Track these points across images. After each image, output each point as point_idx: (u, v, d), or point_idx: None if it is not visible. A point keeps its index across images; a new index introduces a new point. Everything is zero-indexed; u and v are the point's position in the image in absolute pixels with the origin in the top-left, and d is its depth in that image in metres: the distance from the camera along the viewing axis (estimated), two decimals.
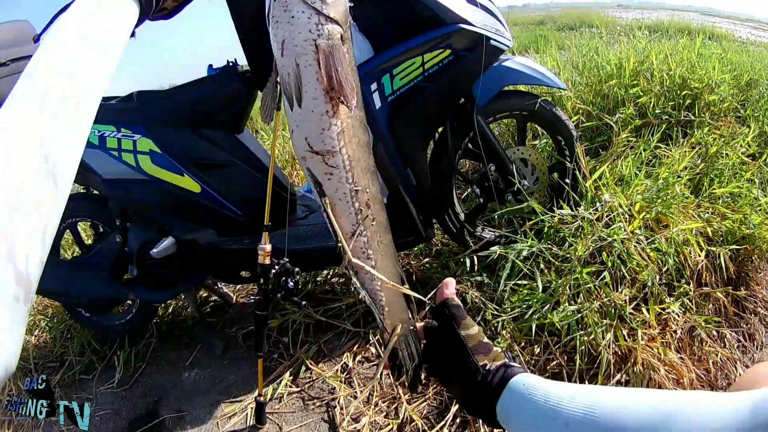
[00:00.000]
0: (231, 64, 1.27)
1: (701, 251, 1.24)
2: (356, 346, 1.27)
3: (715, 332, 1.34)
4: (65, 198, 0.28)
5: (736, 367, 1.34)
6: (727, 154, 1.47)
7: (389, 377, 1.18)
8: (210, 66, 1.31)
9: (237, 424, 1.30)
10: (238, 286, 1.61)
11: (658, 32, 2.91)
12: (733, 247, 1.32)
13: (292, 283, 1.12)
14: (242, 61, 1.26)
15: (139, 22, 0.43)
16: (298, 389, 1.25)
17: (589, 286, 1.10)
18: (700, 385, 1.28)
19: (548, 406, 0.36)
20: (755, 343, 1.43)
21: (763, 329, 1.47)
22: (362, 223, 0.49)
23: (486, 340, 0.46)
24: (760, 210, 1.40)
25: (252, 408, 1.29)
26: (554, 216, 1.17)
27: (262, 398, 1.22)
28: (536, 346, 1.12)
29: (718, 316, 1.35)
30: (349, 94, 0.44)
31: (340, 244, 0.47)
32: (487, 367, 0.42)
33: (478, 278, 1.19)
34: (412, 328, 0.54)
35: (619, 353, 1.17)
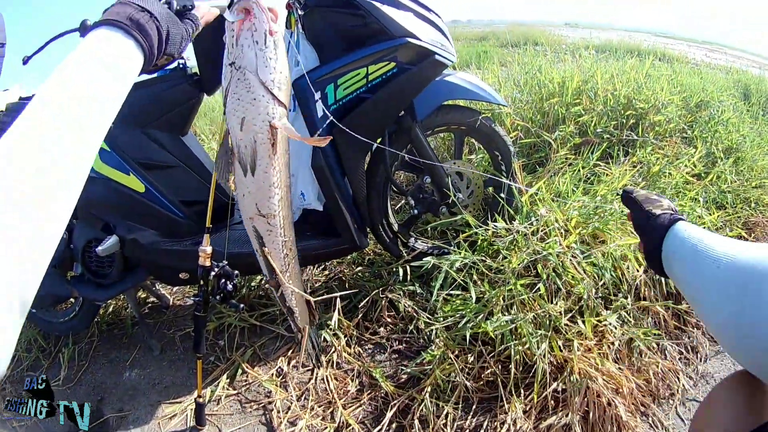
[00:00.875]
0: (181, 65, 1.27)
1: (640, 266, 1.27)
2: (290, 351, 1.27)
3: (655, 344, 1.37)
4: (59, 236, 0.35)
5: (678, 378, 1.36)
6: (670, 173, 1.50)
7: (324, 383, 1.18)
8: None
9: (178, 425, 1.29)
10: (174, 288, 1.60)
11: (605, 52, 2.96)
12: None
13: (231, 286, 1.12)
14: (192, 63, 1.27)
15: (141, 72, 0.47)
16: (236, 392, 1.25)
17: (523, 297, 1.12)
18: (641, 394, 1.30)
19: (702, 246, 0.43)
20: (698, 355, 1.47)
21: (707, 342, 1.50)
22: (289, 262, 0.72)
23: (655, 195, 0.58)
24: (704, 227, 1.44)
25: (191, 409, 1.28)
26: (488, 229, 1.19)
27: (201, 399, 1.22)
28: (470, 355, 1.13)
29: (657, 328, 1.37)
30: (284, 159, 0.63)
31: (274, 277, 0.72)
32: (656, 213, 0.53)
33: (411, 288, 1.20)
34: (314, 326, 0.77)
35: (555, 363, 1.18)
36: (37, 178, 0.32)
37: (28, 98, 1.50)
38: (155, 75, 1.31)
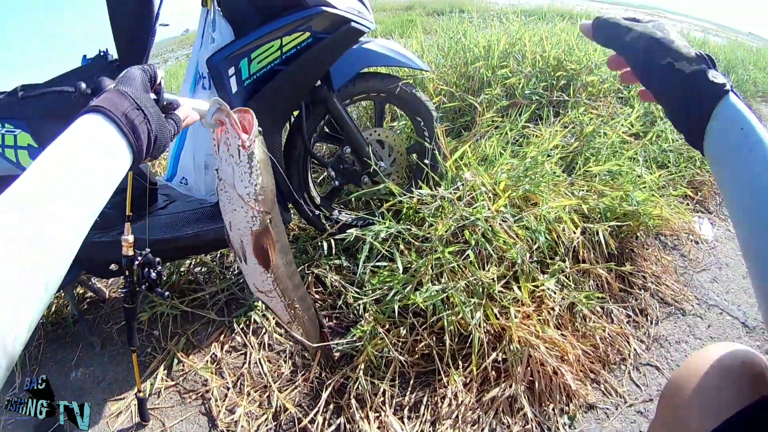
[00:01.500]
0: (102, 54, 1.24)
1: (576, 228, 1.25)
2: (222, 336, 1.25)
3: (599, 308, 1.35)
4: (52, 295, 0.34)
5: (629, 343, 1.35)
6: (605, 133, 1.48)
7: (258, 366, 1.16)
8: (84, 56, 1.28)
9: (124, 422, 1.26)
10: (110, 281, 1.58)
11: (534, 16, 2.93)
12: (614, 223, 1.33)
13: (155, 274, 1.09)
14: (113, 50, 1.24)
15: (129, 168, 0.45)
16: (174, 383, 1.22)
17: (452, 265, 1.10)
18: (588, 361, 1.28)
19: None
20: (649, 318, 1.45)
21: (657, 304, 1.48)
22: (295, 315, 0.89)
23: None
24: (644, 187, 1.42)
25: (135, 405, 1.26)
26: (412, 197, 1.17)
27: (141, 394, 1.19)
28: (402, 328, 1.12)
29: (601, 292, 1.36)
30: (274, 255, 0.68)
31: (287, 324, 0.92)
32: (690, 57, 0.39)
33: (337, 261, 1.18)
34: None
35: (492, 332, 1.16)
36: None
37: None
38: (78, 66, 1.29)
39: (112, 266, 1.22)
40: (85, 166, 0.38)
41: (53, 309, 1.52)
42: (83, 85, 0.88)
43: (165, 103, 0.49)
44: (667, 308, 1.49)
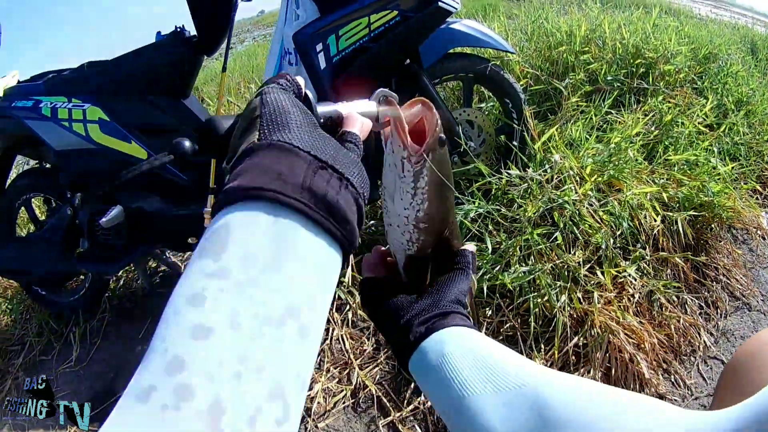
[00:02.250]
0: (179, 30, 1.25)
1: (657, 216, 1.23)
2: None
3: (675, 297, 1.33)
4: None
5: (699, 334, 1.33)
6: (682, 123, 1.46)
7: (340, 342, 1.16)
8: (158, 33, 1.29)
9: None
10: (185, 255, 1.58)
11: (610, 3, 2.90)
12: (691, 213, 1.31)
13: None
14: (189, 27, 1.24)
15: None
16: None
17: (540, 247, 1.09)
18: (662, 350, 1.27)
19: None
20: (719, 310, 1.43)
21: (726, 297, 1.46)
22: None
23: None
24: (718, 178, 1.40)
25: None
26: (502, 178, 1.15)
27: None
28: (488, 308, 1.11)
29: (677, 281, 1.34)
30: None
31: None
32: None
33: None
34: None
35: (575, 316, 1.15)
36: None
37: (25, 82, 1.48)
38: (151, 42, 1.29)
39: (191, 239, 1.23)
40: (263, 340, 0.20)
41: (121, 282, 1.54)
42: (186, 144, 0.45)
43: (323, 120, 0.32)
44: (735, 302, 1.47)
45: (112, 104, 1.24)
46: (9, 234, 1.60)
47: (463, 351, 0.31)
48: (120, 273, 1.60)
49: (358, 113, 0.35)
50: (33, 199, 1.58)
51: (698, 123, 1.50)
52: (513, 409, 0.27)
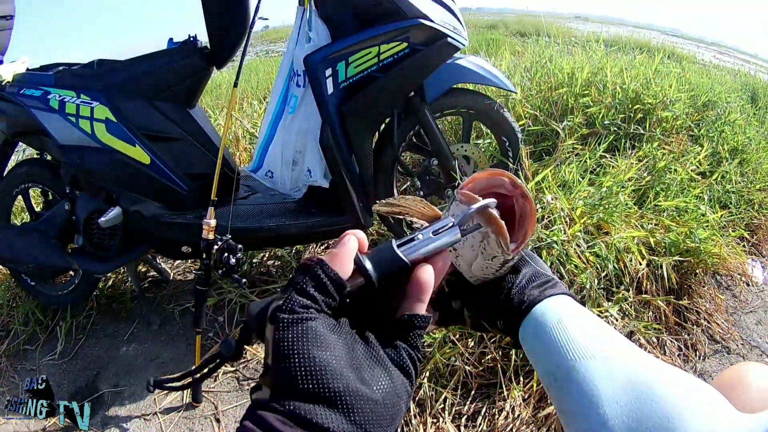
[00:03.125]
0: (191, 39, 1.27)
1: (642, 260, 1.27)
2: None
3: (655, 339, 1.37)
4: None
5: None
6: (675, 170, 1.50)
7: None
8: (170, 39, 1.31)
9: (174, 401, 1.28)
10: (175, 263, 1.59)
11: (614, 46, 2.95)
12: (677, 258, 1.34)
13: (233, 260, 1.12)
14: (202, 37, 1.26)
15: None
16: (233, 369, 1.24)
17: None
18: None
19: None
20: (698, 353, 1.46)
21: (706, 340, 1.50)
22: None
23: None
24: (707, 226, 1.43)
25: None
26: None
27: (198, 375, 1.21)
28: (470, 340, 1.13)
29: (658, 323, 1.37)
30: None
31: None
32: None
33: None
34: None
35: None
36: None
37: (35, 70, 1.49)
38: (163, 49, 1.31)
39: (185, 248, 1.25)
40: None
41: (110, 283, 1.55)
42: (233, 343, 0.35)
43: (383, 280, 0.28)
44: (714, 345, 1.50)
45: (120, 105, 1.25)
46: (4, 221, 1.60)
47: (575, 317, 0.34)
48: (110, 273, 1.61)
49: (434, 249, 0.30)
50: (30, 189, 1.59)
51: (691, 170, 1.54)
52: (617, 380, 0.30)
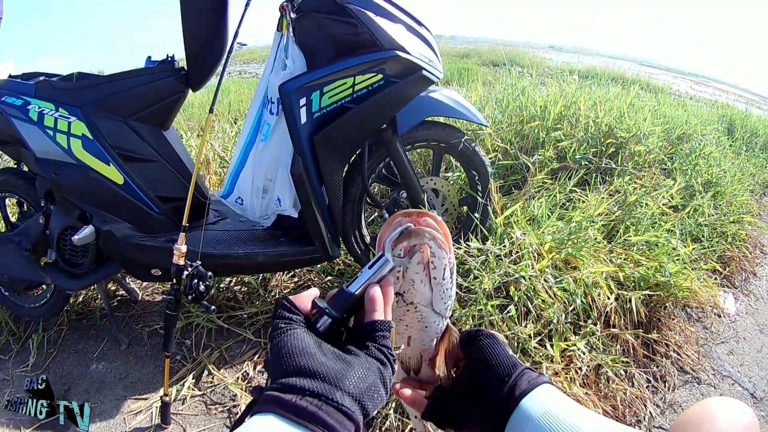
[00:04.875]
0: (169, 59, 1.27)
1: (611, 294, 1.28)
2: (256, 356, 1.27)
3: (623, 371, 1.38)
4: None
5: (645, 406, 1.38)
6: (647, 204, 1.51)
7: None
8: (149, 58, 1.30)
9: (143, 422, 1.28)
10: (144, 283, 1.59)
11: (589, 78, 2.96)
12: (646, 292, 1.36)
13: (203, 287, 1.11)
14: (179, 56, 1.26)
15: None
16: (201, 393, 1.24)
17: (493, 318, 1.13)
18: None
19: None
20: (667, 384, 1.48)
21: (675, 372, 1.52)
22: None
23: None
24: (678, 259, 1.45)
25: (157, 407, 1.27)
26: (460, 248, 1.19)
27: (167, 398, 1.21)
28: None
29: (626, 356, 1.39)
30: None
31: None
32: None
33: None
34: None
35: None
36: None
37: (17, 77, 1.48)
38: (145, 66, 1.31)
39: (155, 271, 1.24)
40: None
41: (80, 299, 1.54)
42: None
43: (343, 314, 0.37)
44: (684, 376, 1.52)
45: (97, 122, 1.25)
46: None
47: (563, 407, 0.38)
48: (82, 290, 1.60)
49: (368, 283, 0.39)
50: (7, 199, 1.58)
51: (663, 204, 1.55)
52: None
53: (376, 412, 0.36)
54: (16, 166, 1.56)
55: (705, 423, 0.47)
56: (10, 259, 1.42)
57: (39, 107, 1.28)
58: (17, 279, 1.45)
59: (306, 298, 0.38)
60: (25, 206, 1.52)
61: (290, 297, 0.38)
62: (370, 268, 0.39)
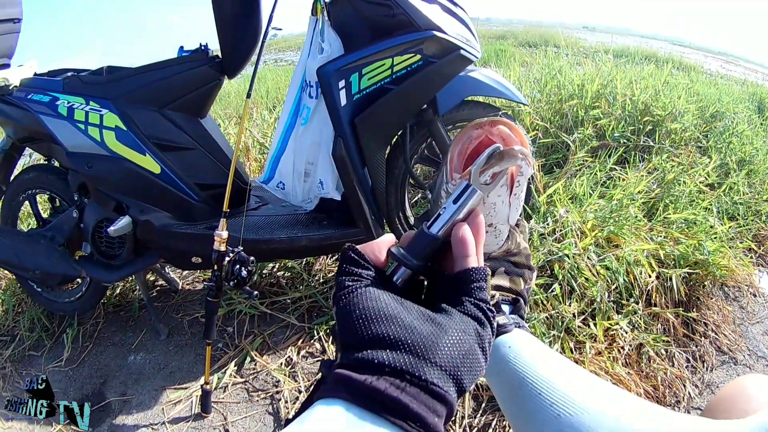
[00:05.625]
0: (202, 48, 1.26)
1: (652, 272, 1.27)
2: (300, 341, 1.26)
3: (663, 351, 1.37)
4: None
5: (684, 386, 1.37)
6: (684, 182, 1.50)
7: None
8: (181, 48, 1.30)
9: (182, 411, 1.28)
10: (184, 273, 1.58)
11: (623, 57, 2.96)
12: (686, 270, 1.35)
13: (245, 272, 1.11)
14: (213, 46, 1.26)
15: None
16: (243, 380, 1.24)
17: (538, 297, 1.12)
18: (647, 399, 1.30)
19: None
20: (705, 364, 1.47)
21: (713, 351, 1.50)
22: None
23: None
24: (715, 237, 1.44)
25: (197, 396, 1.27)
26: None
27: (208, 386, 1.21)
28: None
29: (667, 335, 1.38)
30: None
31: None
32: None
33: None
34: None
35: None
36: None
37: (43, 75, 1.48)
38: (177, 56, 1.31)
39: (195, 259, 1.24)
40: None
41: (117, 291, 1.54)
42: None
43: (425, 261, 0.30)
44: (722, 356, 1.51)
45: (130, 113, 1.25)
46: (11, 226, 1.59)
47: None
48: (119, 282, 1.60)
49: (461, 213, 0.32)
50: (38, 195, 1.58)
51: (700, 182, 1.54)
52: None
53: (473, 386, 0.30)
54: (46, 162, 1.57)
55: (739, 397, 0.47)
56: (42, 255, 1.42)
57: (68, 102, 1.28)
58: (51, 274, 1.45)
59: (377, 246, 0.31)
60: (58, 201, 1.52)
61: (358, 246, 0.30)
62: (454, 202, 0.32)
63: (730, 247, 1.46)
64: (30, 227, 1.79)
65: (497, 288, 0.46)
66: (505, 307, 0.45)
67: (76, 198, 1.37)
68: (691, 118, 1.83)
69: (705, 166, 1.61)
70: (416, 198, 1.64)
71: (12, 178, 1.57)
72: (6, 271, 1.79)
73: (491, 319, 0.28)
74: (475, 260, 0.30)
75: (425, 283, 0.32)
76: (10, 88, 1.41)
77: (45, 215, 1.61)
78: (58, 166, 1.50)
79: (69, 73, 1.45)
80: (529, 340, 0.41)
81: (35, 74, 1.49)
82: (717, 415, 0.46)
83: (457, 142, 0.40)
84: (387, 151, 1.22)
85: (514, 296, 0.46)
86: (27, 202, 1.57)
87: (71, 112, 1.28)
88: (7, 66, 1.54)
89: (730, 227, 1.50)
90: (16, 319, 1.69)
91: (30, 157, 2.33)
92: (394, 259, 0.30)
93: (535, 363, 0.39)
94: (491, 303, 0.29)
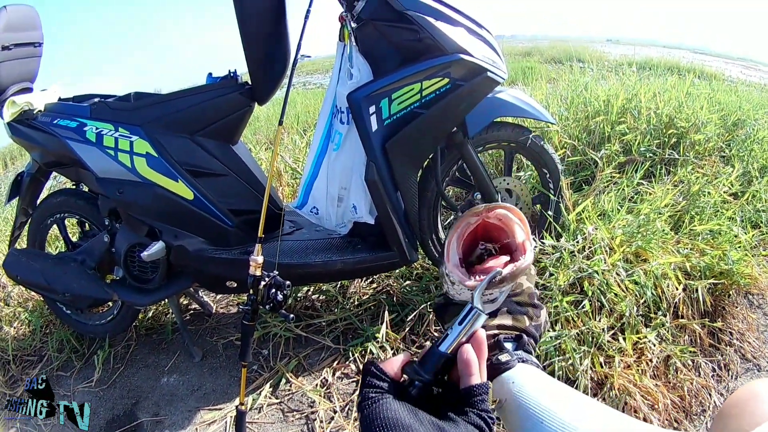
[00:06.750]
0: (232, 74, 1.28)
1: (679, 285, 1.28)
2: (335, 362, 1.28)
3: (690, 361, 1.39)
4: None
5: (710, 395, 1.38)
6: (709, 193, 1.52)
7: None
8: (209, 74, 1.32)
9: None
10: (218, 296, 1.60)
11: (647, 69, 2.98)
12: (711, 281, 1.36)
13: (281, 296, 1.13)
14: (241, 71, 1.28)
15: None
16: (278, 401, 1.25)
17: (568, 314, 1.13)
18: (674, 410, 1.32)
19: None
20: (730, 372, 1.48)
21: (738, 360, 1.52)
22: None
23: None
24: (739, 247, 1.45)
25: (231, 417, 1.29)
26: (535, 246, 1.20)
27: (243, 407, 1.22)
28: None
29: (693, 346, 1.39)
30: None
31: None
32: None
33: None
34: None
35: (596, 379, 1.20)
36: None
37: (68, 100, 1.50)
38: (206, 82, 1.32)
39: (230, 283, 1.26)
40: None
41: (150, 314, 1.56)
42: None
43: (433, 376, 0.38)
44: (746, 364, 1.52)
45: (161, 140, 1.26)
46: (39, 248, 1.62)
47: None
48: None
49: (467, 340, 0.39)
50: (66, 219, 1.60)
51: (723, 192, 1.56)
52: None
53: None
54: (74, 187, 1.59)
55: (750, 402, 0.49)
56: (73, 278, 1.43)
57: (96, 128, 1.30)
58: (81, 297, 1.47)
59: (395, 363, 0.38)
60: (87, 225, 1.54)
61: (379, 363, 0.37)
62: (460, 324, 0.39)
63: (753, 255, 1.47)
64: (58, 250, 1.81)
65: (500, 327, 0.48)
66: (509, 345, 0.47)
67: (107, 222, 1.39)
68: (714, 128, 1.85)
69: (728, 175, 1.63)
70: (449, 220, 1.66)
71: (39, 201, 1.60)
72: (33, 293, 1.81)
73: (491, 425, 0.35)
74: (477, 377, 0.36)
75: (437, 391, 0.38)
76: (35, 112, 1.43)
77: (74, 239, 1.64)
78: (87, 191, 1.52)
79: (95, 99, 1.47)
80: (532, 374, 0.44)
81: (60, 99, 1.51)
82: (728, 421, 0.48)
83: (455, 229, 0.45)
84: (419, 175, 1.24)
85: (518, 333, 0.49)
86: (56, 226, 1.59)
87: (100, 138, 1.30)
88: (29, 90, 1.56)
89: (753, 235, 1.51)
90: (44, 339, 1.71)
91: (56, 180, 2.35)
92: (409, 376, 0.37)
93: (538, 395, 0.41)
94: (494, 358, 0.39)
